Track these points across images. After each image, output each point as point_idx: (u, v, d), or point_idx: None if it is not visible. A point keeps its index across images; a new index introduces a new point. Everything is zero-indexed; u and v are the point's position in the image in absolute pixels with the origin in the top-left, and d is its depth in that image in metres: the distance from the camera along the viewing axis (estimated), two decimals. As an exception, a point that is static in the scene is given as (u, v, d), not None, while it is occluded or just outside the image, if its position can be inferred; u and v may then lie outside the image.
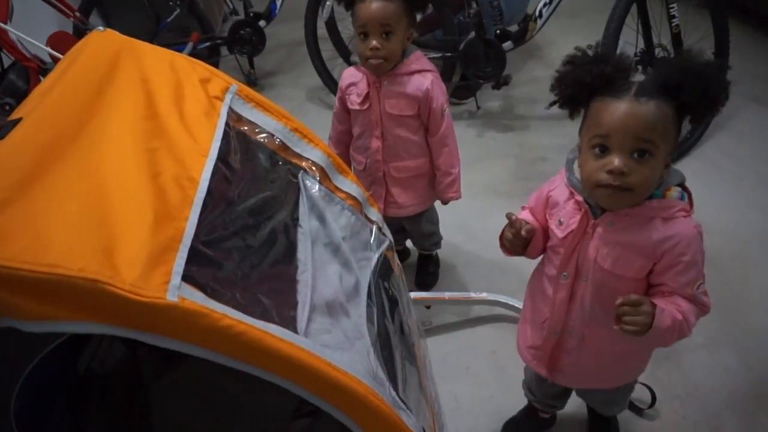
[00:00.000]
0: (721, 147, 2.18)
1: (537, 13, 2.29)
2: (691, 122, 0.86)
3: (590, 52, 0.87)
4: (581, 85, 0.86)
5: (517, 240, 0.98)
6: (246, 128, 0.97)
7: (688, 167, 2.23)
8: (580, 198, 0.92)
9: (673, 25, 2.00)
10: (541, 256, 1.06)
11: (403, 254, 1.85)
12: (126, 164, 0.67)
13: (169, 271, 0.57)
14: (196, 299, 0.58)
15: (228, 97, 0.95)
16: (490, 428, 1.37)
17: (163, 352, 1.14)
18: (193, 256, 0.64)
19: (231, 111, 0.94)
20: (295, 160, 1.03)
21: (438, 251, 1.80)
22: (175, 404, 1.26)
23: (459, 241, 1.90)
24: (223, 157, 0.83)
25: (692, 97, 0.80)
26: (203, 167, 0.77)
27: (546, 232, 1.02)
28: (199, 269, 0.65)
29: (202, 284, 0.63)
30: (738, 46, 2.29)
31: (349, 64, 2.78)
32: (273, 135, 1.00)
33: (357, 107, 1.44)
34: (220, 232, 0.73)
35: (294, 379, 0.67)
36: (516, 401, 1.39)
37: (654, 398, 1.34)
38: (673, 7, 1.98)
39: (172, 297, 0.55)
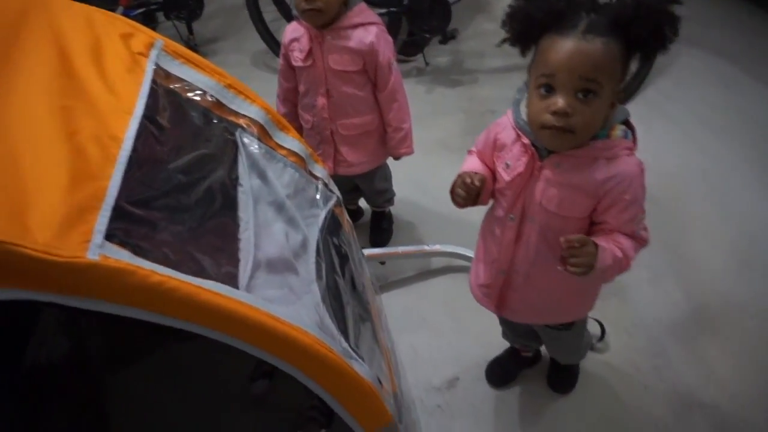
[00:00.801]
0: (662, 90, 2.22)
1: (478, -38, 2.26)
2: (641, 60, 0.85)
3: None
4: (531, 21, 0.84)
5: (470, 193, 0.97)
6: (176, 86, 0.93)
7: (630, 111, 2.30)
8: (526, 141, 0.91)
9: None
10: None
11: (357, 214, 1.85)
12: (37, 123, 0.63)
13: (89, 231, 0.55)
14: (122, 257, 0.56)
15: (153, 52, 0.90)
16: (448, 373, 1.40)
17: (112, 337, 1.10)
18: (119, 215, 0.61)
19: (158, 68, 0.90)
20: (231, 118, 0.99)
21: (391, 208, 1.80)
22: (130, 386, 1.23)
23: (412, 197, 1.90)
24: (150, 115, 0.80)
25: (643, 33, 0.79)
26: (127, 125, 0.73)
27: (494, 175, 1.01)
28: (126, 228, 0.63)
29: (130, 243, 0.61)
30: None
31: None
32: (206, 92, 0.97)
33: (300, 63, 1.40)
34: (149, 191, 0.71)
35: (235, 333, 0.66)
36: (472, 346, 1.43)
37: (603, 332, 1.40)
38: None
39: (92, 255, 0.53)
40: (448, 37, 2.42)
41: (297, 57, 1.39)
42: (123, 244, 0.60)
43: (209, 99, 0.96)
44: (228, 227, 0.85)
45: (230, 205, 0.89)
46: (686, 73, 2.38)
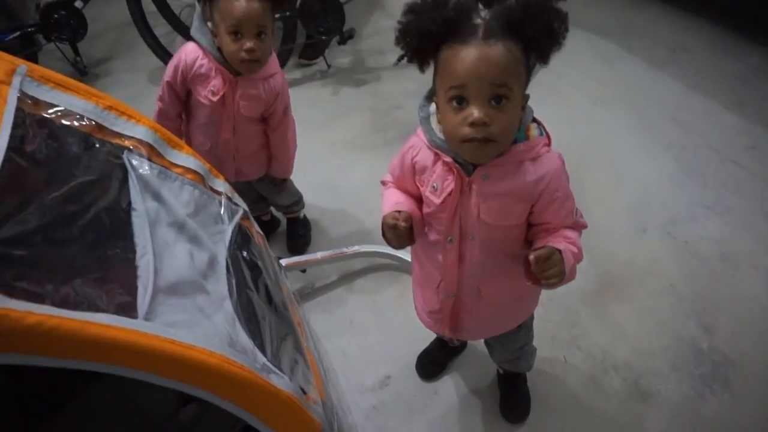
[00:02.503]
0: (551, 69, 2.32)
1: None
2: (539, 60, 0.82)
3: None
4: (427, 35, 0.81)
5: (401, 236, 0.92)
6: (48, 112, 0.88)
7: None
8: (448, 159, 0.87)
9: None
10: None
11: (272, 224, 1.82)
12: None
13: (-51, 278, 0.50)
14: (-10, 302, 0.52)
15: (16, 79, 0.84)
16: (380, 373, 1.41)
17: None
18: (-14, 257, 0.57)
19: (24, 95, 0.84)
20: (116, 141, 0.95)
21: (306, 213, 1.79)
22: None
23: (326, 200, 1.90)
24: (16, 147, 0.74)
25: (536, 33, 0.78)
26: (-11, 161, 0.68)
27: (420, 199, 0.98)
28: (-3, 270, 0.58)
29: (1, 285, 0.57)
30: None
31: (186, 37, 2.61)
32: (83, 116, 0.92)
33: (207, 103, 1.36)
34: (21, 226, 0.66)
35: (134, 364, 0.63)
36: (400, 341, 1.45)
37: (522, 310, 1.45)
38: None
39: (-47, 305, 0.48)
40: (345, 37, 2.43)
41: (206, 96, 1.36)
42: (-7, 287, 0.56)
43: (88, 123, 0.91)
44: (122, 255, 0.81)
45: (123, 231, 0.84)
46: (572, 52, 2.50)
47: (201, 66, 1.35)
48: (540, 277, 0.85)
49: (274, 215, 1.82)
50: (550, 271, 0.83)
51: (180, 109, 1.44)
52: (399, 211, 0.93)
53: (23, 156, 0.75)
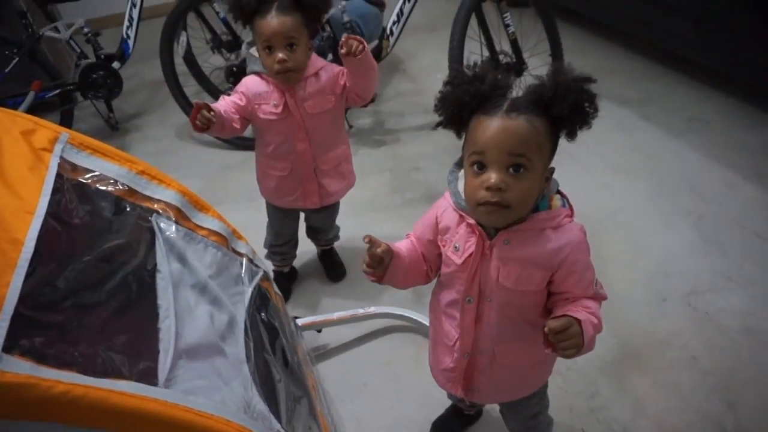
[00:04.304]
0: (569, 137, 2.38)
1: (388, 31, 2.39)
2: (566, 136, 0.87)
3: (469, 72, 0.88)
4: (461, 105, 0.87)
5: (374, 262, 0.95)
6: (85, 177, 0.92)
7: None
8: (471, 221, 0.91)
9: (509, 32, 2.18)
10: (436, 279, 1.05)
11: (291, 276, 1.84)
12: (-74, 235, 0.60)
13: (-17, 346, 0.53)
14: (21, 370, 0.54)
15: (58, 147, 0.89)
16: (392, 439, 1.38)
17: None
18: (20, 323, 0.59)
19: (64, 161, 0.89)
20: (146, 204, 0.99)
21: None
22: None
23: (345, 259, 1.91)
24: (55, 212, 0.78)
25: (564, 111, 0.82)
26: (29, 226, 0.72)
27: (425, 258, 1.02)
28: (29, 336, 0.60)
29: (33, 352, 0.58)
30: (570, 46, 2.55)
31: (214, 97, 2.73)
32: (117, 181, 0.96)
33: (274, 117, 1.43)
34: (54, 292, 0.69)
35: (153, 433, 0.63)
36: (414, 407, 1.42)
37: (539, 379, 1.42)
38: (506, 17, 2.15)
39: (-13, 373, 0.50)
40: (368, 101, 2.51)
41: (269, 111, 1.42)
42: (25, 353, 0.58)
43: (121, 187, 0.95)
44: (146, 318, 0.83)
45: (148, 293, 0.87)
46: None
47: (260, 85, 1.43)
48: (557, 347, 0.85)
49: (294, 267, 1.85)
50: (567, 342, 0.84)
51: (231, 108, 1.44)
52: (387, 244, 0.96)
53: (60, 221, 0.78)
